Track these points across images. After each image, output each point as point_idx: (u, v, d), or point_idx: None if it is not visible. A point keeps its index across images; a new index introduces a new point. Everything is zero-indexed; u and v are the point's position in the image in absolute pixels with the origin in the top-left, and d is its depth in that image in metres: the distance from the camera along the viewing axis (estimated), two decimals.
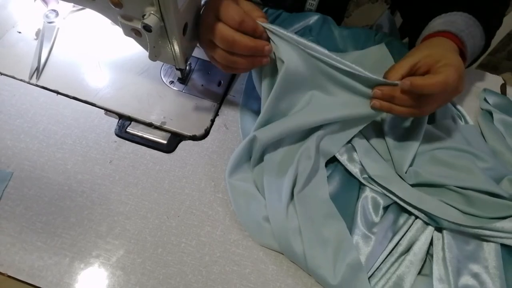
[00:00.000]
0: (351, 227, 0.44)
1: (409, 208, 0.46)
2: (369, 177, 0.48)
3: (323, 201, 0.45)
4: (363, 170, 0.48)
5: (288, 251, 0.43)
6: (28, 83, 0.54)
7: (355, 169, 0.48)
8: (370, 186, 0.48)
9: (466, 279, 0.42)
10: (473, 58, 0.52)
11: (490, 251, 0.44)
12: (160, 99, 0.54)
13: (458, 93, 0.43)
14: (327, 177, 0.48)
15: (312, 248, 0.41)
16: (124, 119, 0.52)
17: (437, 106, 0.45)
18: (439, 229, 0.45)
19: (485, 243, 0.45)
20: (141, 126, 0.52)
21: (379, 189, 0.47)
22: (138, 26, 0.39)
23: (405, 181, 0.48)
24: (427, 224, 0.45)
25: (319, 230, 0.43)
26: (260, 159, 0.48)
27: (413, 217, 0.46)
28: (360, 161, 0.48)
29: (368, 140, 0.51)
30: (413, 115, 0.46)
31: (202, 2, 0.44)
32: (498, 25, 0.53)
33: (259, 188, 0.47)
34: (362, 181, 0.48)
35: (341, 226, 0.43)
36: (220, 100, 0.56)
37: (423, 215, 0.45)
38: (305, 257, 0.41)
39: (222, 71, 0.45)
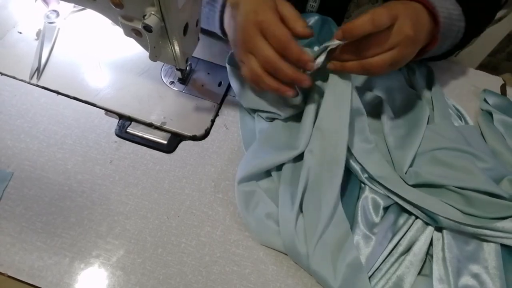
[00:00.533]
0: (351, 227, 0.44)
1: (409, 208, 0.46)
2: (370, 177, 0.48)
3: (331, 201, 0.45)
4: (363, 169, 0.48)
5: (292, 252, 0.43)
6: (29, 83, 0.54)
7: (356, 168, 0.48)
8: (371, 185, 0.48)
9: (466, 279, 0.42)
10: (452, 30, 0.49)
11: (490, 251, 0.44)
12: (160, 99, 0.54)
13: (406, 38, 0.40)
14: None
15: (315, 249, 0.41)
16: (125, 119, 0.52)
17: (389, 58, 0.40)
18: (439, 229, 0.45)
19: (485, 244, 0.44)
20: (142, 126, 0.52)
21: (380, 188, 0.47)
22: (139, 26, 0.39)
23: (405, 181, 0.48)
24: (427, 224, 0.45)
25: (323, 231, 0.43)
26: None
27: (413, 217, 0.46)
28: (360, 162, 0.48)
29: (368, 140, 0.51)
30: (364, 69, 0.42)
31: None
32: (481, 6, 0.51)
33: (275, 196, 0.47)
34: (364, 180, 0.48)
35: (345, 227, 0.43)
36: (220, 100, 0.56)
37: (423, 214, 0.45)
38: (308, 258, 0.41)
39: (245, 79, 0.45)
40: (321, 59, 0.43)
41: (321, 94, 0.47)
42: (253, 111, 0.55)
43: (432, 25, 0.44)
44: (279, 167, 0.48)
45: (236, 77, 0.53)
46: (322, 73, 0.46)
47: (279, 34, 0.39)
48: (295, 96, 0.44)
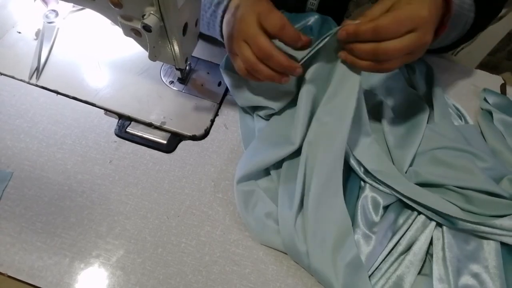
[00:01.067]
0: (352, 226, 0.44)
1: (409, 202, 0.45)
2: (367, 171, 0.47)
3: (335, 200, 0.44)
4: (360, 164, 0.48)
5: (292, 251, 0.43)
6: (28, 83, 0.54)
7: (355, 165, 0.48)
8: (371, 182, 0.47)
9: (466, 279, 0.42)
10: (460, 20, 0.49)
11: (490, 250, 0.44)
12: (160, 99, 0.54)
13: (421, 43, 0.38)
14: None
15: (315, 248, 0.41)
16: (124, 119, 0.52)
17: (401, 62, 0.40)
18: (439, 226, 0.45)
19: (485, 243, 0.44)
20: (141, 126, 0.52)
21: (380, 184, 0.47)
22: (138, 26, 0.39)
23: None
24: (429, 218, 0.45)
25: (323, 230, 0.43)
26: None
27: (412, 217, 0.46)
28: (357, 157, 0.48)
29: (367, 133, 0.51)
30: (375, 70, 0.41)
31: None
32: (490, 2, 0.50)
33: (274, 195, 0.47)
34: (363, 176, 0.47)
35: (346, 224, 0.43)
36: (220, 100, 0.56)
37: (422, 208, 0.45)
38: (308, 256, 0.41)
39: (238, 72, 0.44)
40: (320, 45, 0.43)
41: (316, 85, 0.46)
42: (252, 110, 0.55)
43: (444, 10, 0.42)
44: (278, 166, 0.48)
45: (230, 77, 0.53)
46: (326, 60, 0.45)
47: (274, 19, 0.39)
48: (287, 82, 0.43)
